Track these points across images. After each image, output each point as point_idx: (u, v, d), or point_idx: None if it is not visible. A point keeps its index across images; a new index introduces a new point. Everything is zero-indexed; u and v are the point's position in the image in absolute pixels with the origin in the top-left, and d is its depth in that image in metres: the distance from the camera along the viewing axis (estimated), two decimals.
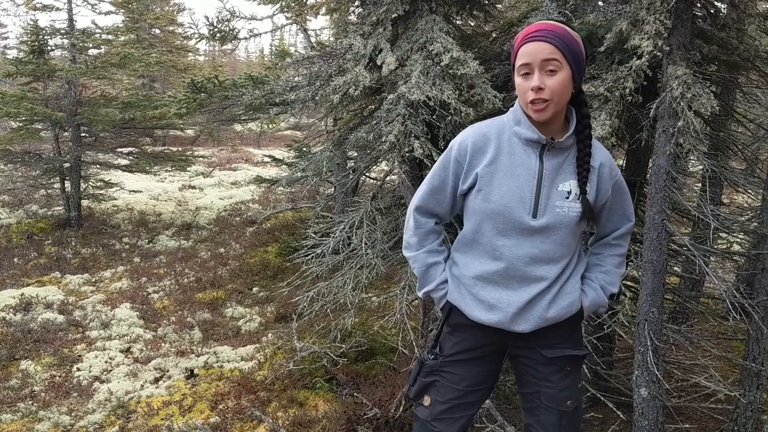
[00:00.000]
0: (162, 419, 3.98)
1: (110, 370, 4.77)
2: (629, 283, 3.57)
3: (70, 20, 9.24)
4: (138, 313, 5.96)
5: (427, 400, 1.95)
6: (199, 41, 6.60)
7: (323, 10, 6.27)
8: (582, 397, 1.98)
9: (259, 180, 9.97)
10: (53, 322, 5.67)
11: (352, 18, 4.84)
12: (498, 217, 1.73)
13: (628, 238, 1.96)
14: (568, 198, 1.72)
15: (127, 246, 8.65)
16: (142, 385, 4.50)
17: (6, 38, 29.78)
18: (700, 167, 3.51)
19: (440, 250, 1.92)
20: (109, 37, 10.24)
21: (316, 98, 3.79)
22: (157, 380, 4.63)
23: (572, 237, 1.77)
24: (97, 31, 9.60)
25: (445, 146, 2.08)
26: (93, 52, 9.98)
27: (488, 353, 1.90)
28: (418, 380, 1.96)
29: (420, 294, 1.93)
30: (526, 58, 1.64)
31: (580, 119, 1.74)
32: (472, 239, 1.81)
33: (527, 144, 1.73)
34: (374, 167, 5.86)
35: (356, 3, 4.46)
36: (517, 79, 1.69)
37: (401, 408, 3.65)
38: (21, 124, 9.32)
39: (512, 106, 1.79)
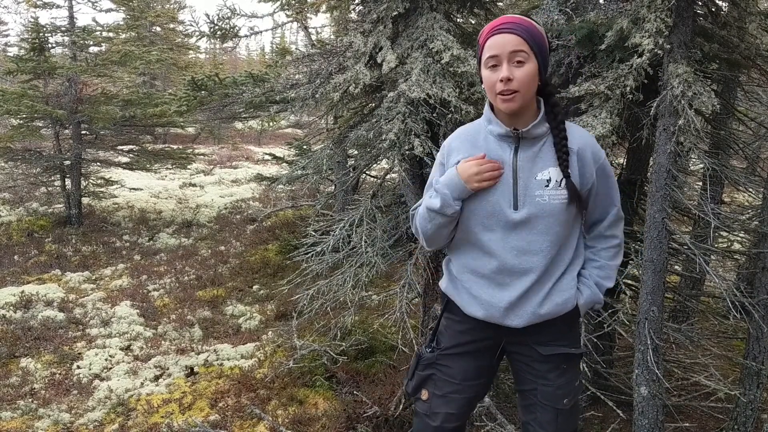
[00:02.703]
0: (162, 417, 3.99)
1: (110, 368, 4.77)
2: (630, 281, 3.57)
3: (71, 18, 9.24)
4: (138, 310, 5.96)
5: (425, 395, 1.98)
6: (200, 39, 6.61)
7: (324, 7, 6.26)
8: (579, 395, 1.98)
9: (259, 178, 9.96)
10: (53, 319, 5.68)
11: (353, 16, 4.84)
12: (481, 212, 1.76)
13: (620, 225, 1.92)
14: (548, 186, 1.73)
15: (128, 244, 8.65)
16: (142, 383, 4.50)
17: (7, 36, 29.80)
18: (701, 166, 3.50)
19: None
20: (110, 34, 10.24)
21: (317, 96, 3.79)
22: (157, 378, 4.63)
23: (560, 226, 1.76)
24: (98, 28, 9.58)
25: None
26: (94, 49, 9.97)
27: (484, 348, 1.93)
28: (416, 374, 1.99)
29: (438, 207, 1.78)
30: (494, 50, 1.66)
31: (551, 108, 1.76)
32: (461, 238, 1.86)
33: (500, 139, 1.77)
34: (374, 165, 5.85)
35: (357, 1, 4.46)
36: (485, 72, 1.70)
37: (401, 406, 3.65)
38: (21, 122, 9.31)
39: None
